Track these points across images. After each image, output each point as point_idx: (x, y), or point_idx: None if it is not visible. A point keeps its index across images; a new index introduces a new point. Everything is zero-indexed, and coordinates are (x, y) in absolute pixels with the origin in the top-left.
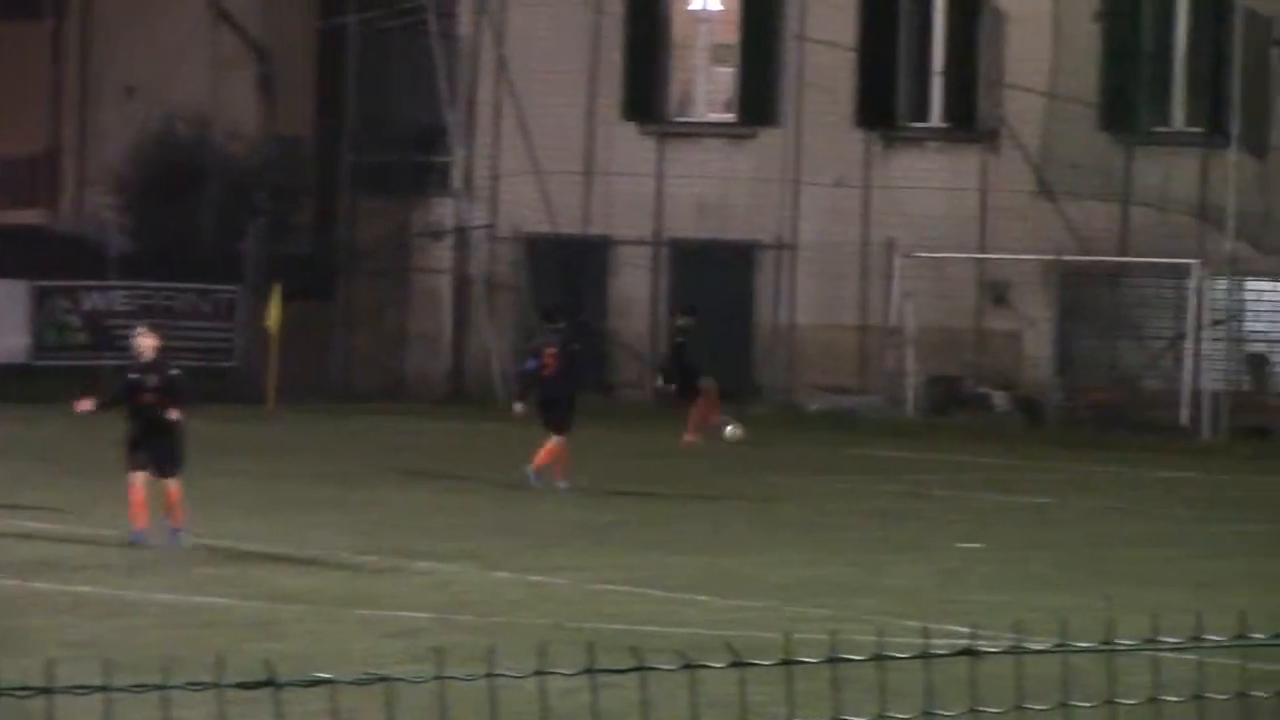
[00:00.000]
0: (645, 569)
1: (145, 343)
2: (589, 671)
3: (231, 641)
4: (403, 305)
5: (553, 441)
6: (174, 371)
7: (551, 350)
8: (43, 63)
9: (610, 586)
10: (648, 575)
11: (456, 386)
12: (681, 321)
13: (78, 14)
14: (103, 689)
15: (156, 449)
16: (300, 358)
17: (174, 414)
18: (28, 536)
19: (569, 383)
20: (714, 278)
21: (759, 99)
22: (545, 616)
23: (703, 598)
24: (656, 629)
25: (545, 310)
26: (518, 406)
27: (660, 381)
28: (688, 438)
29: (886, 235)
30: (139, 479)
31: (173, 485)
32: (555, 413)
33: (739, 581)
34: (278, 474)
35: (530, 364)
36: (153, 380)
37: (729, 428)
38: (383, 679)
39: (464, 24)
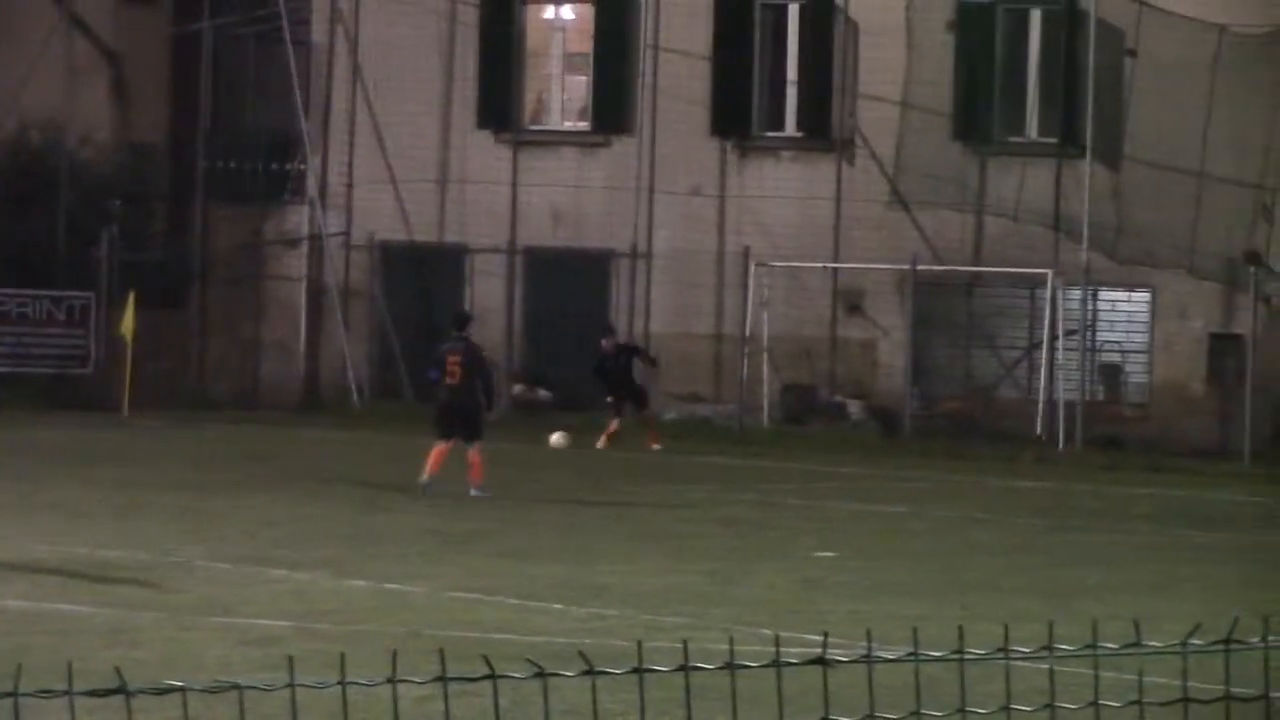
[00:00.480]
0: (501, 577)
1: None
2: (441, 679)
3: (85, 649)
4: (257, 313)
5: (470, 452)
6: None
7: (455, 358)
8: None
9: (465, 594)
10: (503, 583)
11: (311, 394)
12: (606, 342)
13: None
14: None
15: None
16: (154, 365)
17: None
18: None
19: (476, 391)
20: (569, 286)
21: (613, 107)
22: (401, 624)
23: (557, 606)
24: (511, 636)
25: (454, 317)
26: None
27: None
28: (654, 445)
29: (742, 244)
30: None
31: None
32: (457, 421)
33: (595, 590)
34: (132, 481)
35: (432, 374)
36: None
37: (555, 435)
38: (235, 686)
39: (318, 31)
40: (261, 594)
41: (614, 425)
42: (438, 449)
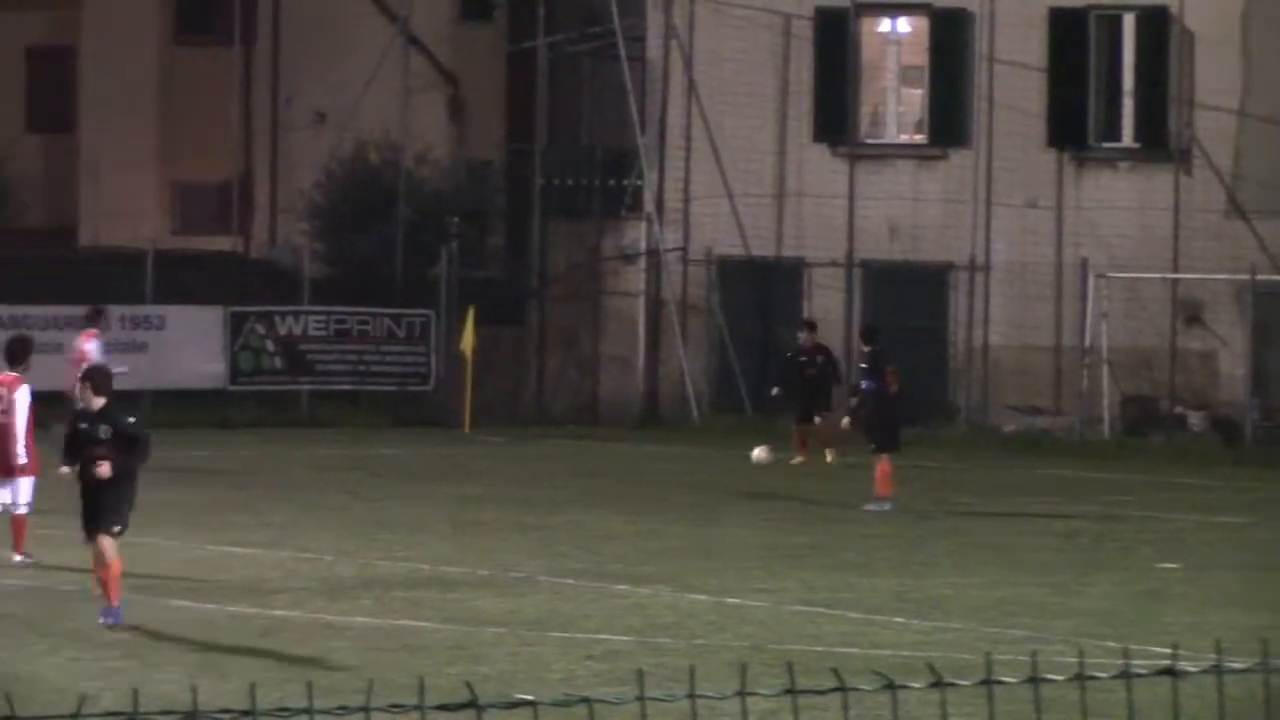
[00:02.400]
0: (840, 590)
1: (88, 394)
2: (790, 692)
3: (431, 664)
4: (595, 329)
5: (884, 460)
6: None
7: (893, 368)
8: (234, 89)
9: (806, 608)
10: (843, 596)
11: (650, 409)
12: (805, 338)
13: (268, 40)
14: (306, 711)
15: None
16: (494, 382)
17: (104, 469)
18: (225, 561)
19: (903, 401)
20: (907, 299)
21: (949, 120)
22: (743, 638)
23: (898, 619)
24: (854, 650)
25: (864, 329)
26: (845, 421)
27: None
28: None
29: (1079, 255)
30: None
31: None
32: (889, 432)
33: (934, 602)
34: (473, 498)
35: (868, 384)
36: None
37: (757, 450)
38: (584, 700)
39: (652, 47)
40: (603, 609)
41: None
42: (886, 466)
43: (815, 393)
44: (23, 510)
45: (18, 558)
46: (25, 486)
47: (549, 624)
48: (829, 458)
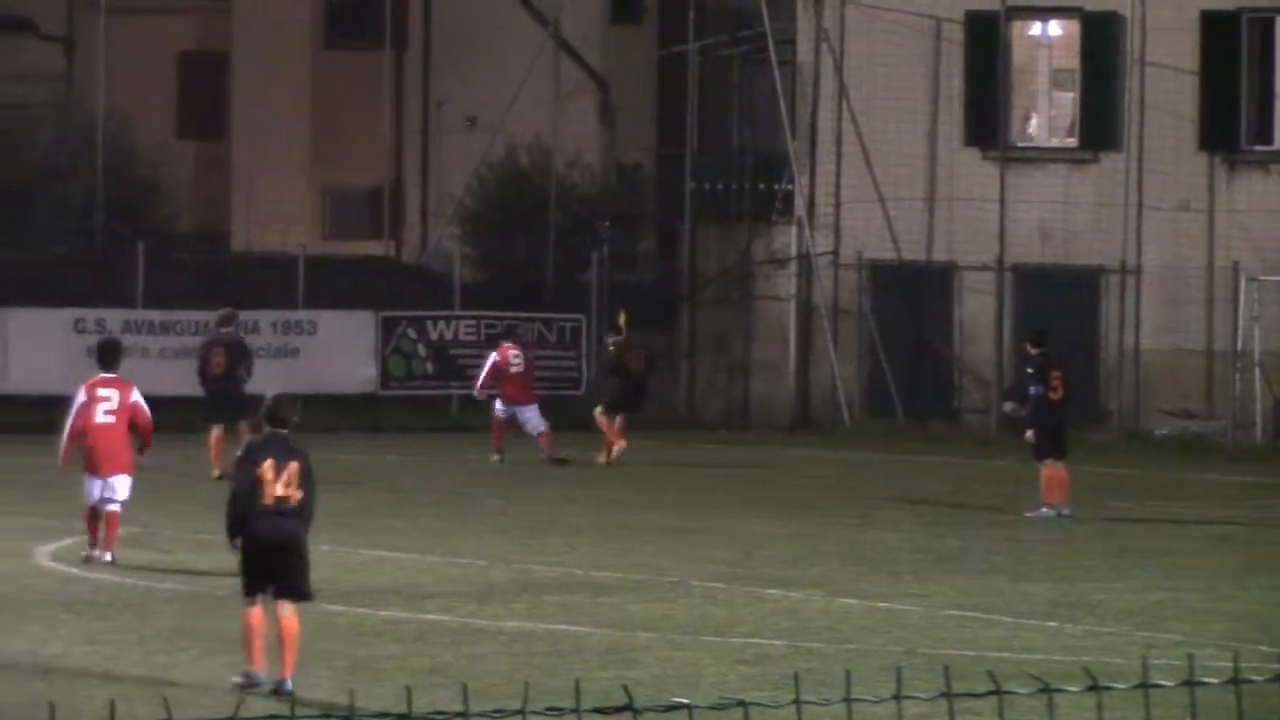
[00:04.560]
0: (992, 594)
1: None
2: (945, 695)
3: (583, 669)
4: (746, 333)
5: (1051, 467)
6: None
7: (1059, 373)
8: (385, 93)
9: (958, 612)
10: (995, 601)
11: (802, 414)
12: (1032, 351)
13: (419, 44)
14: (462, 715)
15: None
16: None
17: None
18: (377, 565)
19: (1067, 407)
20: (1058, 303)
21: (1101, 123)
22: (895, 642)
23: (1051, 623)
24: (1007, 654)
25: (1034, 333)
26: (1026, 429)
27: (1007, 407)
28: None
29: (1231, 259)
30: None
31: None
32: (1055, 438)
33: (1087, 607)
34: (623, 501)
35: (1035, 389)
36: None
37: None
38: (740, 703)
39: (803, 50)
40: (755, 613)
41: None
42: (1056, 471)
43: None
44: (115, 508)
45: (108, 556)
46: (123, 484)
47: (701, 628)
48: None
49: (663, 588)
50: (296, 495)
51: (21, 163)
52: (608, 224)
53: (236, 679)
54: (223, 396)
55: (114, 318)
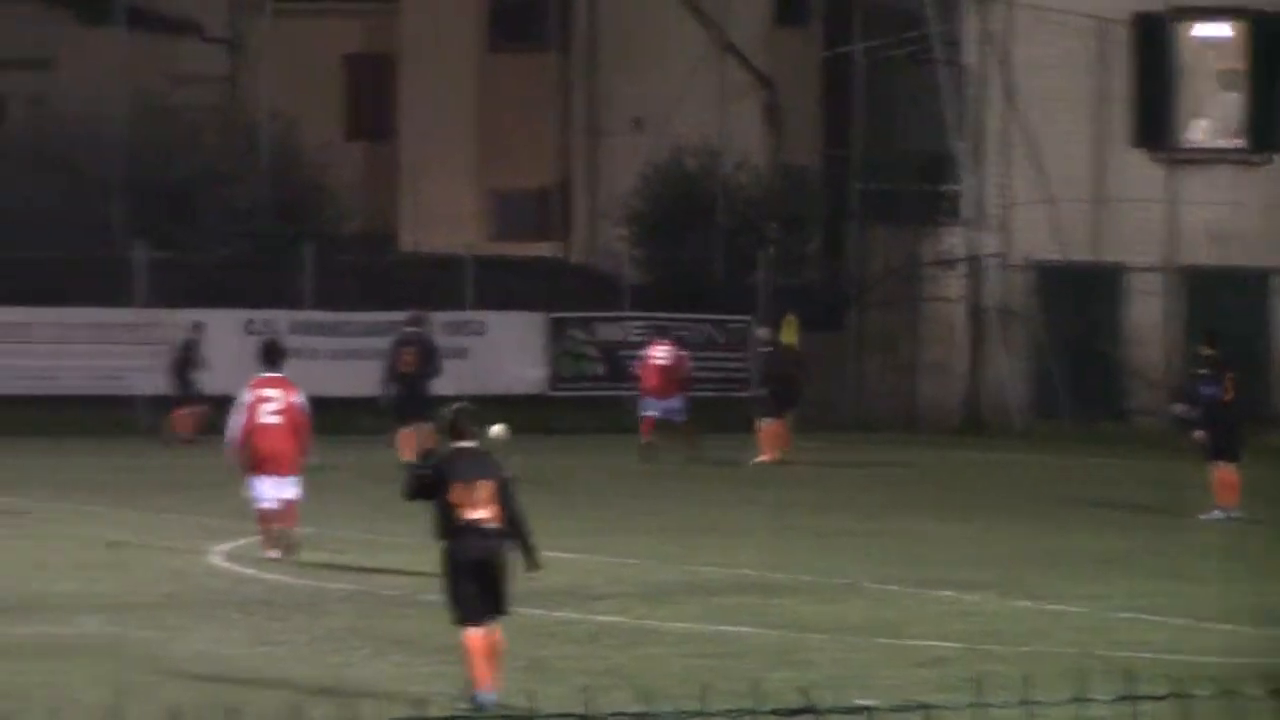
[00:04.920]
0: (1164, 596)
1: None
2: (1126, 699)
3: (755, 669)
4: (914, 334)
5: (1223, 469)
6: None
7: (1232, 375)
8: (552, 95)
9: (1131, 614)
10: (1167, 603)
11: (971, 415)
12: (1206, 352)
13: (585, 47)
14: (642, 715)
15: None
16: (812, 387)
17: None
18: (549, 566)
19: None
20: (1226, 305)
21: (1270, 124)
22: (1069, 644)
23: (1226, 626)
24: (1181, 657)
25: (1206, 335)
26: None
27: (1176, 408)
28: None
29: None
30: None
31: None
32: (1229, 440)
33: (1266, 610)
34: (794, 503)
35: (1209, 390)
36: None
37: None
38: (922, 706)
39: (969, 53)
40: (928, 615)
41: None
42: (1227, 474)
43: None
44: (282, 506)
45: (275, 554)
46: (290, 484)
47: (873, 630)
48: None
49: (834, 589)
50: (493, 514)
51: (188, 165)
52: (774, 225)
53: (465, 704)
54: (411, 395)
55: (282, 319)
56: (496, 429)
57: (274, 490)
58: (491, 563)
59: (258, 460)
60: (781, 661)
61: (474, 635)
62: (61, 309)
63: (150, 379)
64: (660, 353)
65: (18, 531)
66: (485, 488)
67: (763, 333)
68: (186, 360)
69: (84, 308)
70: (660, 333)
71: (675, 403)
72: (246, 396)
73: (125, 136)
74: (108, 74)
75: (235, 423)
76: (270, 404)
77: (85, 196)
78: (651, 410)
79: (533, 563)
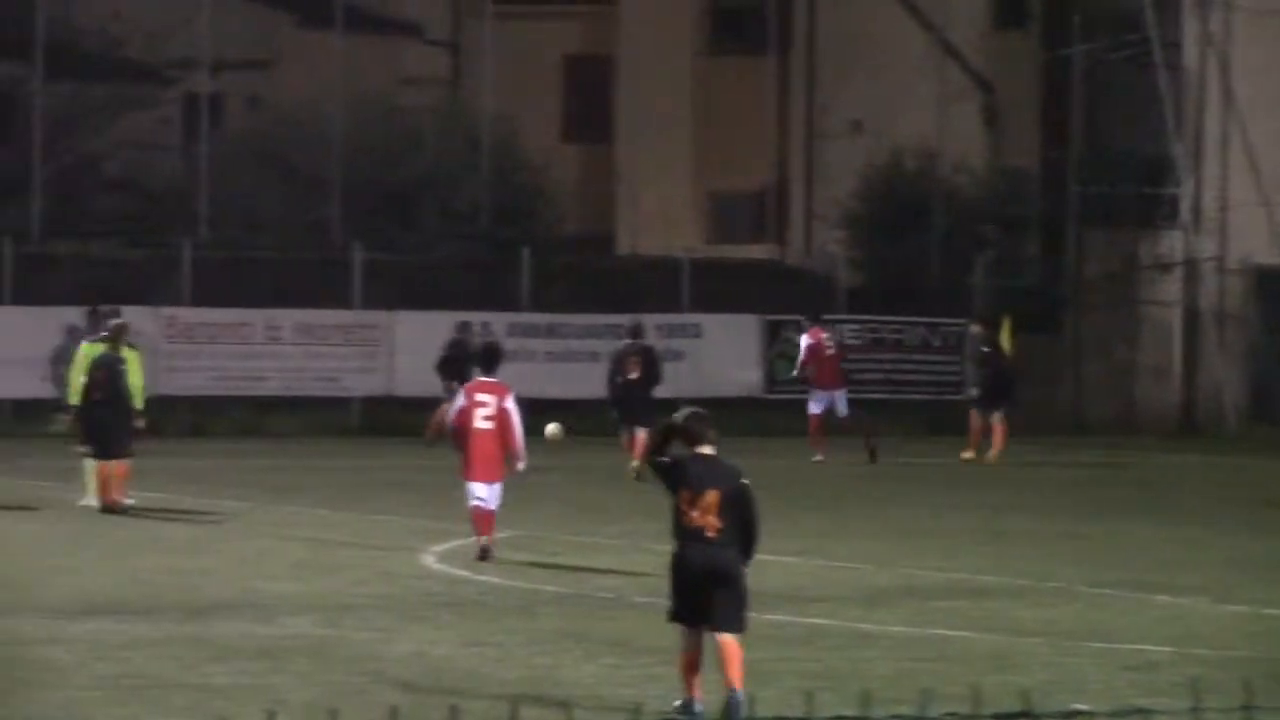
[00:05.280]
0: None
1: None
2: None
3: (969, 674)
4: (1131, 338)
5: None
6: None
7: None
8: (770, 97)
9: None
10: None
11: (1187, 418)
12: (976, 330)
13: (804, 49)
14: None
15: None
16: (1029, 390)
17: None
18: (762, 568)
19: None
20: None
21: None
22: None
23: None
24: None
25: None
26: None
27: None
28: None
29: None
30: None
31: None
32: None
33: None
34: (1009, 506)
35: None
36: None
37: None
38: (1140, 711)
39: (1189, 55)
40: (1141, 619)
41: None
42: None
43: None
44: (489, 508)
45: (481, 545)
46: (496, 491)
47: (1086, 634)
48: None
49: (1047, 593)
50: (715, 525)
51: (408, 167)
52: (992, 228)
53: (676, 703)
54: (636, 400)
55: (499, 321)
56: (551, 428)
57: (481, 494)
58: (713, 573)
59: (468, 465)
60: (995, 665)
61: (688, 639)
62: (276, 310)
63: (365, 380)
64: (828, 340)
65: (235, 532)
66: (712, 497)
67: (976, 331)
68: (456, 358)
69: (299, 309)
70: (816, 321)
71: (842, 394)
72: (461, 400)
73: (345, 138)
74: (328, 76)
75: (447, 421)
76: (483, 409)
77: (303, 197)
78: (820, 405)
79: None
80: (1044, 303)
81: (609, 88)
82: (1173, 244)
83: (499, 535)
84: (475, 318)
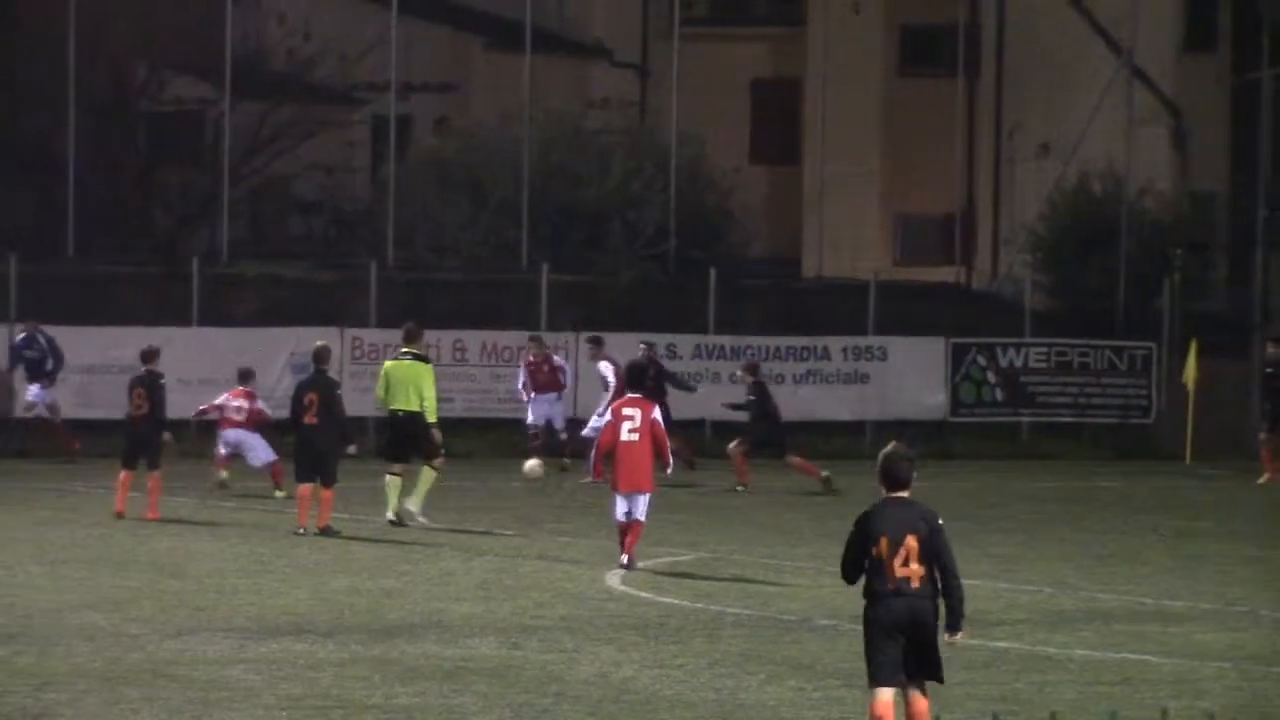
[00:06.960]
0: None
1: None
2: None
3: (1153, 698)
4: None
5: None
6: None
7: None
8: (959, 119)
9: None
10: None
11: None
12: (1272, 351)
13: (992, 72)
14: None
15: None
16: (1216, 414)
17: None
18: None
19: None
20: None
21: None
22: None
23: None
24: None
25: None
26: None
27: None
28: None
29: None
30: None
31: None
32: None
33: None
34: (1195, 530)
35: None
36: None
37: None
38: None
39: None
40: None
41: None
42: None
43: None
44: (641, 518)
45: (624, 558)
46: (643, 502)
47: (1273, 659)
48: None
49: (1234, 617)
50: (918, 574)
51: (595, 188)
52: (1180, 251)
53: None
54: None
55: (685, 343)
56: (530, 464)
57: (629, 506)
58: (916, 624)
59: (616, 478)
60: (1178, 690)
61: (881, 701)
62: (463, 331)
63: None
64: None
65: (420, 553)
66: (912, 543)
67: (1273, 351)
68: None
69: (485, 330)
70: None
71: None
72: (608, 416)
73: (532, 160)
74: (516, 98)
75: (599, 439)
76: (629, 422)
77: (490, 219)
78: None
79: (954, 624)
80: (1232, 328)
81: (797, 109)
82: None
83: (683, 558)
84: (661, 339)
